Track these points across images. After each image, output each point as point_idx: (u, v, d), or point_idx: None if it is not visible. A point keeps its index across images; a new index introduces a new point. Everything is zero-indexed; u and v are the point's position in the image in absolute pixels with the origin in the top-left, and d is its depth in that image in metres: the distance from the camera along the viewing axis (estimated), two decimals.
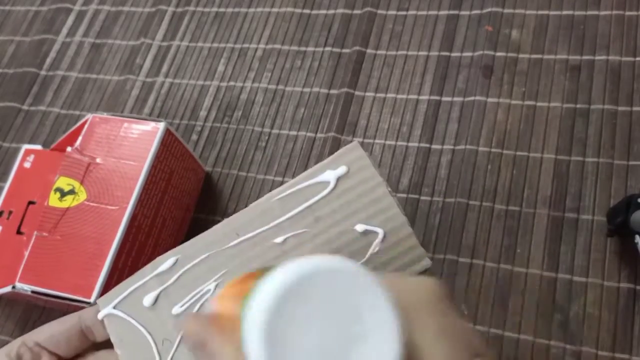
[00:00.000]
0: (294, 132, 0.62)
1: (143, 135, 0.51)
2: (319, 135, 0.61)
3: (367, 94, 0.62)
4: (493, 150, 0.56)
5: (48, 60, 0.75)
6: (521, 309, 0.49)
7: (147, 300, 0.31)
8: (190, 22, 0.72)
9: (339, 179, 0.33)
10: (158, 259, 0.34)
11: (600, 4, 0.60)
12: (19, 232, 0.52)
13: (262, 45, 0.68)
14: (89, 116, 0.53)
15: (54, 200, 0.49)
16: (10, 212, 0.53)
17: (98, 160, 0.51)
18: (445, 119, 0.58)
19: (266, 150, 0.62)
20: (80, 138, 0.52)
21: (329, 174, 0.33)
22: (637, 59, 0.57)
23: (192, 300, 0.31)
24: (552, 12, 0.61)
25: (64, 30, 0.77)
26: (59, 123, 0.70)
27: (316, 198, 0.32)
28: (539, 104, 0.57)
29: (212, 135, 0.64)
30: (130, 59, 0.72)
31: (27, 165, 0.55)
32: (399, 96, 0.61)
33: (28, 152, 0.56)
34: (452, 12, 0.64)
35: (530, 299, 0.49)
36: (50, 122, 0.70)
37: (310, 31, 0.67)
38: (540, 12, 0.61)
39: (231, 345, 0.21)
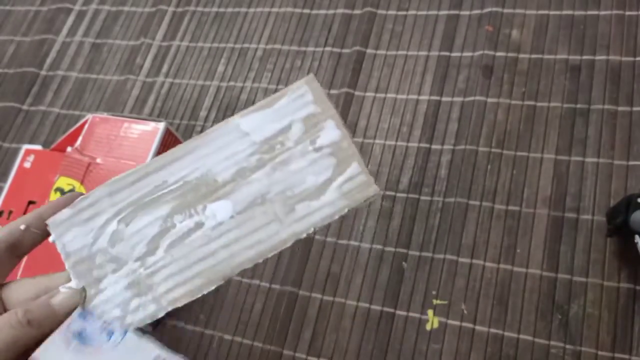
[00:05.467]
0: None
1: (143, 135, 0.51)
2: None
3: (367, 94, 0.62)
4: (493, 150, 0.56)
5: (48, 60, 0.75)
6: (521, 309, 0.49)
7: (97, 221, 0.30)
8: (190, 22, 0.72)
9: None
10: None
11: (600, 4, 0.60)
12: None
13: (262, 45, 0.68)
14: (89, 116, 0.53)
15: (54, 199, 0.50)
16: (10, 212, 0.53)
17: (98, 160, 0.51)
18: (445, 119, 0.58)
19: None
20: (80, 138, 0.52)
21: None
22: (637, 59, 0.57)
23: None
24: (552, 12, 0.61)
25: (64, 30, 0.77)
26: (59, 123, 0.70)
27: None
28: (539, 104, 0.57)
29: None
30: (130, 59, 0.72)
31: (27, 165, 0.55)
32: (399, 96, 0.61)
33: (28, 152, 0.56)
34: (452, 12, 0.64)
35: (530, 299, 0.49)
36: (50, 122, 0.70)
37: (310, 31, 0.67)
38: (540, 12, 0.61)
39: None
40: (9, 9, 0.81)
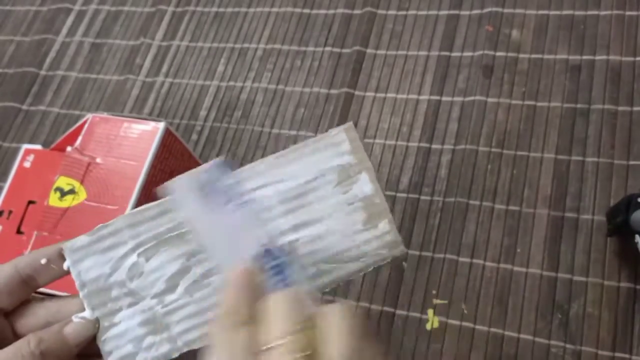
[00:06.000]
0: (294, 132, 0.62)
1: (143, 135, 0.51)
2: (319, 135, 0.61)
3: (367, 93, 0.62)
4: (493, 150, 0.56)
5: (48, 60, 0.75)
6: (521, 309, 0.49)
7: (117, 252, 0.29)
8: (190, 22, 0.72)
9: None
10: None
11: (601, 4, 0.60)
12: (19, 231, 0.52)
13: (262, 45, 0.68)
14: (89, 116, 0.53)
15: (54, 199, 0.49)
16: (10, 212, 0.53)
17: (98, 160, 0.51)
18: (445, 118, 0.58)
19: (266, 150, 0.62)
20: (80, 138, 0.52)
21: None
22: (637, 58, 0.57)
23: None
24: (552, 12, 0.61)
25: (64, 30, 0.77)
26: (58, 123, 0.70)
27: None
28: (539, 103, 0.57)
29: (212, 135, 0.64)
30: (130, 59, 0.72)
31: (27, 165, 0.55)
32: (399, 96, 0.61)
33: (28, 152, 0.56)
34: (452, 12, 0.64)
35: (530, 299, 0.49)
36: (50, 122, 0.70)
37: (310, 31, 0.67)
38: (540, 12, 0.61)
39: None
40: (8, 9, 0.81)
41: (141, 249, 0.29)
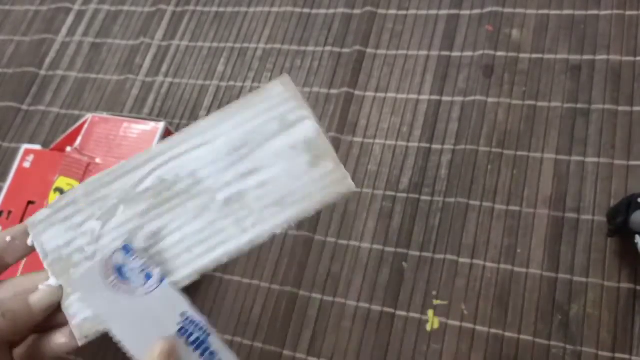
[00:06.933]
0: None
1: (143, 135, 0.51)
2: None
3: (367, 93, 0.62)
4: (493, 150, 0.56)
5: (48, 60, 0.75)
6: (521, 309, 0.49)
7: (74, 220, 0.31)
8: (190, 22, 0.72)
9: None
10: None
11: (601, 4, 0.60)
12: None
13: (262, 45, 0.68)
14: (89, 116, 0.53)
15: (53, 200, 0.49)
16: (10, 212, 0.53)
17: (98, 160, 0.51)
18: (445, 118, 0.58)
19: None
20: (79, 138, 0.52)
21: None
22: (638, 58, 0.57)
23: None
24: (552, 12, 0.61)
25: (64, 30, 0.76)
26: (58, 123, 0.69)
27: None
28: (539, 103, 0.57)
29: None
30: (130, 59, 0.72)
31: (26, 165, 0.55)
32: (399, 96, 0.61)
33: (27, 152, 0.56)
34: (452, 11, 0.64)
35: (530, 299, 0.49)
36: (50, 122, 0.70)
37: (310, 31, 0.67)
38: (540, 12, 0.61)
39: None
40: (8, 9, 0.81)
41: (97, 214, 0.30)
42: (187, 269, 0.29)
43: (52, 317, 0.29)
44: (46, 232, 0.30)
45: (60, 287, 0.29)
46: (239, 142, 0.30)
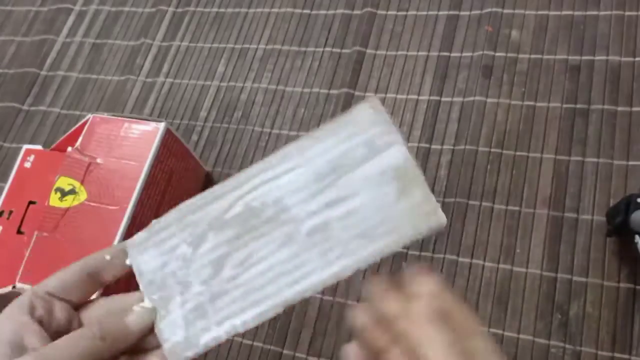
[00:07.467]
0: (294, 132, 0.62)
1: (143, 136, 0.51)
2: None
3: (367, 94, 0.62)
4: (493, 150, 0.56)
5: (48, 61, 0.75)
6: (521, 309, 0.49)
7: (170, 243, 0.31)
8: (190, 23, 0.72)
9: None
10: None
11: (600, 4, 0.60)
12: (19, 232, 0.52)
13: (262, 46, 0.68)
14: (90, 116, 0.53)
15: (54, 200, 0.50)
16: (10, 212, 0.53)
17: (98, 160, 0.51)
18: (445, 119, 0.59)
19: (266, 150, 0.62)
20: (80, 138, 0.52)
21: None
22: (637, 59, 0.57)
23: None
24: (551, 12, 0.61)
25: (65, 31, 0.77)
26: (59, 123, 0.70)
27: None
28: (538, 104, 0.57)
29: (212, 136, 0.64)
30: (130, 59, 0.72)
31: (27, 165, 0.55)
32: (399, 96, 0.61)
33: (28, 152, 0.56)
34: (452, 12, 0.64)
35: (530, 299, 0.49)
36: (51, 122, 0.70)
37: (310, 31, 0.67)
38: (540, 13, 0.61)
39: None
40: (9, 9, 0.81)
41: (189, 239, 0.30)
42: (272, 301, 0.28)
43: (142, 339, 0.29)
44: (143, 255, 0.31)
45: (154, 309, 0.29)
46: (326, 169, 0.30)
